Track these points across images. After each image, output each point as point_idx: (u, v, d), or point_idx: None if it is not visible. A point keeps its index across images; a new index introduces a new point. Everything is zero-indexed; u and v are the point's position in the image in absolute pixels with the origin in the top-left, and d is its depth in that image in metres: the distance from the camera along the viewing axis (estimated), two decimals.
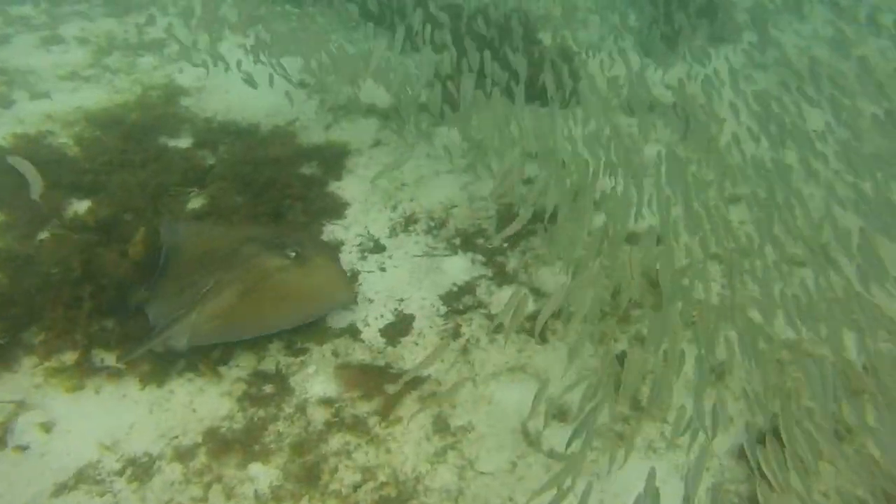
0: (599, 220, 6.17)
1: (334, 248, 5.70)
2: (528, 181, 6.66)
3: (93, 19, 9.32)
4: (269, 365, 4.63)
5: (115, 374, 4.48)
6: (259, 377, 4.55)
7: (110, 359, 4.56)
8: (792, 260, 5.87)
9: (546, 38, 9.26)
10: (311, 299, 4.89)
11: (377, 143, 7.19)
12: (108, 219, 5.60)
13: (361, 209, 6.22)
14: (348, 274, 5.44)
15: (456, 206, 6.30)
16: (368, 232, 5.97)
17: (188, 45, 8.31)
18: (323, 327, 4.98)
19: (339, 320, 5.06)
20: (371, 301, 5.26)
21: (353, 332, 4.97)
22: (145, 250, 5.13)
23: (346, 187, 6.52)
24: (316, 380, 4.55)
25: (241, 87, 7.84)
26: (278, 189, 6.23)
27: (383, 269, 5.58)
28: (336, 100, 7.80)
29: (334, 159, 6.87)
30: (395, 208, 6.26)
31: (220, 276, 4.75)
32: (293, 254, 4.98)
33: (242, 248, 5.00)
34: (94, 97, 7.58)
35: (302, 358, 4.70)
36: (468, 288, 5.41)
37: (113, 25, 9.20)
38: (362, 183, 6.56)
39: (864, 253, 4.98)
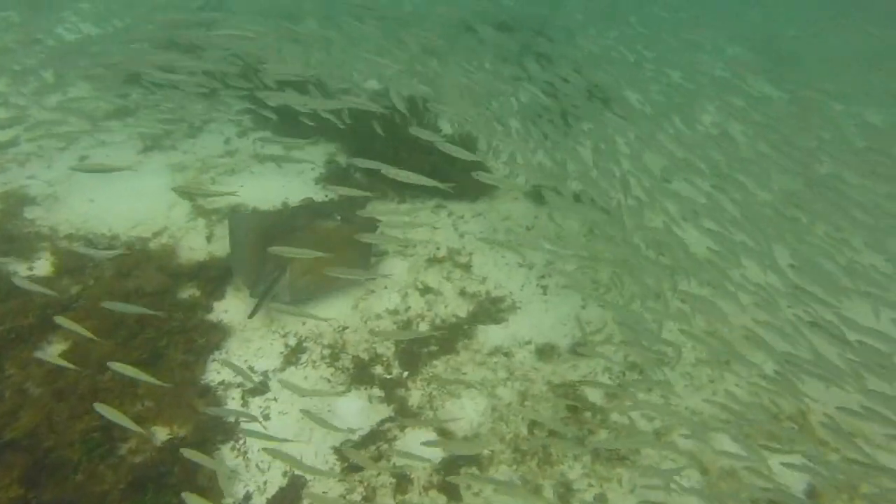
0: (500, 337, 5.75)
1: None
2: (427, 290, 6.17)
3: None
4: None
5: None
6: None
7: None
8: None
9: (445, 126, 8.98)
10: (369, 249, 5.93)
11: None
12: None
13: (243, 339, 5.49)
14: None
15: (348, 328, 5.69)
16: (252, 368, 5.24)
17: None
18: None
19: (227, 493, 4.28)
20: (253, 464, 4.51)
21: None
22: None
23: (231, 308, 5.78)
24: None
25: (101, 193, 7.01)
26: (155, 325, 5.34)
27: (267, 418, 4.85)
28: (211, 203, 7.11)
29: (218, 276, 6.07)
30: (280, 335, 5.58)
31: (293, 244, 5.28)
32: (339, 217, 5.99)
33: (295, 220, 5.99)
34: None
35: None
36: (368, 435, 4.77)
37: None
38: (245, 304, 5.84)
39: None
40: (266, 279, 5.54)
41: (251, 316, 5.46)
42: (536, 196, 7.73)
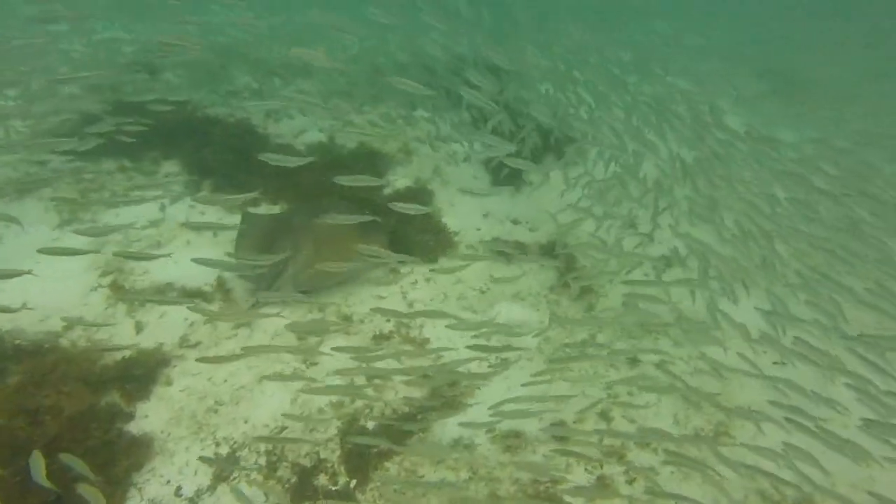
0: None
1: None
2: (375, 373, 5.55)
3: None
4: None
5: None
6: None
7: None
8: None
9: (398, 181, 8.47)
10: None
11: (195, 344, 5.79)
12: None
13: (167, 452, 4.79)
14: None
15: (287, 428, 5.03)
16: (178, 490, 4.54)
17: None
18: None
19: None
20: None
21: None
22: None
23: (152, 412, 5.08)
24: None
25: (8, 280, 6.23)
26: (68, 445, 4.52)
27: None
28: (133, 283, 6.39)
29: (144, 373, 5.35)
30: (210, 442, 4.89)
31: (293, 240, 6.05)
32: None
33: (294, 220, 6.33)
34: None
35: None
36: None
37: None
38: (170, 406, 5.15)
39: None
40: (271, 273, 5.98)
41: (253, 307, 5.93)
42: (493, 254, 7.22)
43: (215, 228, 7.15)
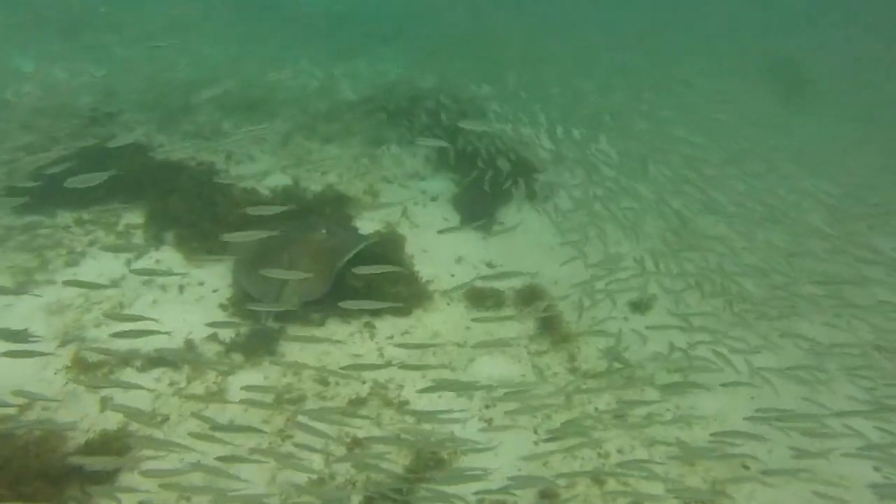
0: None
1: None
2: (355, 443, 5.33)
3: None
4: None
5: None
6: None
7: None
8: None
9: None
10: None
11: (163, 420, 5.50)
12: None
13: None
14: None
15: None
16: None
17: None
18: None
19: None
20: None
21: None
22: None
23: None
24: None
25: None
26: None
27: None
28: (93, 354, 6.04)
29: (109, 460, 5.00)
30: None
31: (289, 253, 6.24)
32: (324, 230, 6.63)
33: (289, 234, 6.41)
34: None
35: None
36: None
37: None
38: (136, 496, 4.82)
39: None
40: (271, 289, 6.15)
41: (262, 324, 6.06)
42: (470, 299, 7.07)
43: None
